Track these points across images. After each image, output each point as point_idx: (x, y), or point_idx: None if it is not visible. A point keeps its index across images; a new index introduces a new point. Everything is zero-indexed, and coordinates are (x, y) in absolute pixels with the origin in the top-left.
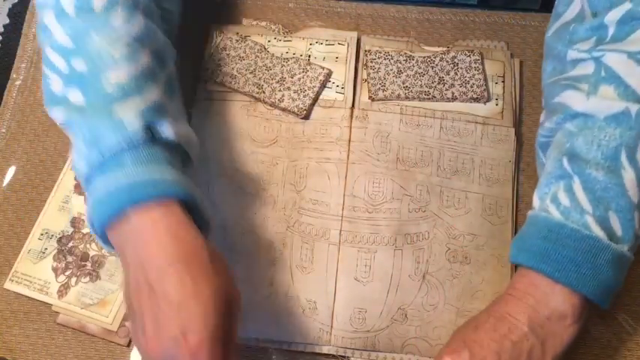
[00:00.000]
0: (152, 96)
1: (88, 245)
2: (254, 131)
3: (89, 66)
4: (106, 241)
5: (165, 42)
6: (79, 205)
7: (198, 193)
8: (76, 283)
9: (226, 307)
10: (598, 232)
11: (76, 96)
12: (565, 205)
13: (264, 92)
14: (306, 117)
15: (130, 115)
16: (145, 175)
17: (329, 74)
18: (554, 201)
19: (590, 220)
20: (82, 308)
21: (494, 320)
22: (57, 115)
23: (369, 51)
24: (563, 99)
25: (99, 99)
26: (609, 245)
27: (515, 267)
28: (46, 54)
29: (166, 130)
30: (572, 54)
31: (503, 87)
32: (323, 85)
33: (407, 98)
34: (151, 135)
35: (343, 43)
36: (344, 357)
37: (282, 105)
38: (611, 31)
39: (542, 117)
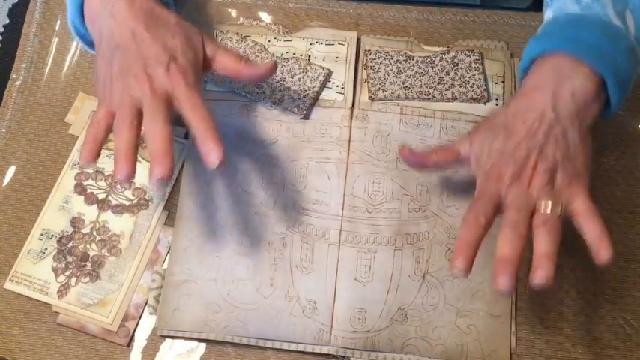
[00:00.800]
0: None
1: (88, 245)
2: (254, 131)
3: None
4: (84, 36)
5: None
6: (79, 205)
7: None
8: (76, 283)
9: (200, 41)
10: (618, 23)
11: None
12: (586, 1)
13: (264, 92)
14: (306, 117)
15: None
16: None
17: (329, 74)
18: (576, 2)
19: (611, 13)
20: (82, 308)
21: (522, 116)
22: None
23: (369, 51)
24: None
25: None
26: (627, 36)
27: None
28: None
29: None
30: None
31: (503, 87)
32: (323, 85)
33: (407, 98)
34: None
35: (343, 43)
36: (344, 357)
37: (282, 105)
38: None
39: None
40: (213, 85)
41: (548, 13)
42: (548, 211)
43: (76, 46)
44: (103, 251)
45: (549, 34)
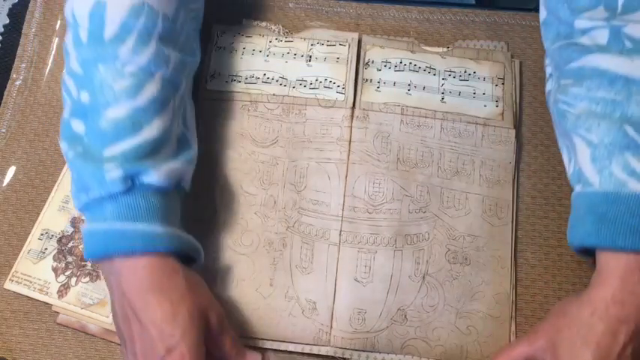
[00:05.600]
0: (150, 132)
1: None
2: (254, 131)
3: (91, 99)
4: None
5: (179, 63)
6: None
7: (175, 236)
8: (76, 283)
9: (204, 321)
10: None
11: (78, 125)
12: None
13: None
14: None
15: (114, 164)
16: (120, 231)
17: None
18: (634, 175)
19: None
20: (82, 308)
21: (602, 317)
22: (62, 147)
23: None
24: (588, 62)
25: (94, 136)
26: None
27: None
28: (63, 76)
29: (151, 176)
30: (580, 23)
31: (503, 88)
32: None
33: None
34: (131, 184)
35: (344, 43)
36: (343, 358)
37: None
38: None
39: (549, 84)
40: (214, 85)
41: (589, 172)
42: None
43: None
44: None
45: (620, 226)
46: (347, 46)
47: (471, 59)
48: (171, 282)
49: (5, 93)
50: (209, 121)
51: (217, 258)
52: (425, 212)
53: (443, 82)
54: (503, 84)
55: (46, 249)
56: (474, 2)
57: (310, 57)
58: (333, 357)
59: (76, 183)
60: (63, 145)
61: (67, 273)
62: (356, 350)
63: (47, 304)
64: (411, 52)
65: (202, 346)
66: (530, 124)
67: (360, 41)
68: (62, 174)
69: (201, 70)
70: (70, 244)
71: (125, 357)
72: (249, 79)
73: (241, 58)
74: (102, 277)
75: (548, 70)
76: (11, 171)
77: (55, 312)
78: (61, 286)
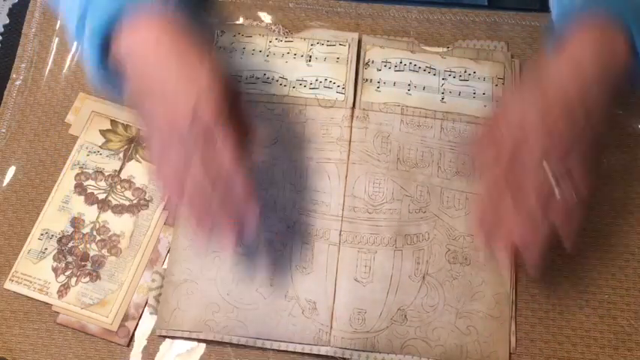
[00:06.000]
0: None
1: (88, 245)
2: (254, 131)
3: None
4: (103, 66)
5: None
6: (79, 205)
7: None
8: (76, 283)
9: (223, 78)
10: None
11: None
12: None
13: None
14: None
15: None
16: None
17: None
18: None
19: None
20: (82, 308)
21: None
22: None
23: None
24: None
25: None
26: None
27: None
28: None
29: None
30: None
31: (503, 88)
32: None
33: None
34: None
35: (344, 43)
36: (343, 358)
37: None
38: None
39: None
40: None
41: None
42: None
43: (76, 46)
44: (103, 251)
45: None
46: (347, 46)
47: (470, 59)
48: (186, 43)
49: (5, 93)
50: None
51: (217, 258)
52: (425, 212)
53: (443, 82)
54: (503, 84)
55: (46, 249)
56: (486, 3)
57: (310, 57)
58: (333, 357)
59: None
60: None
61: (67, 273)
62: (356, 350)
63: (47, 304)
64: (411, 52)
65: (226, 100)
66: None
67: (360, 41)
68: (62, 174)
69: None
70: (70, 244)
71: (149, 146)
72: (249, 79)
73: (241, 58)
74: (101, 277)
75: None
76: (11, 171)
77: (55, 312)
78: (61, 286)
